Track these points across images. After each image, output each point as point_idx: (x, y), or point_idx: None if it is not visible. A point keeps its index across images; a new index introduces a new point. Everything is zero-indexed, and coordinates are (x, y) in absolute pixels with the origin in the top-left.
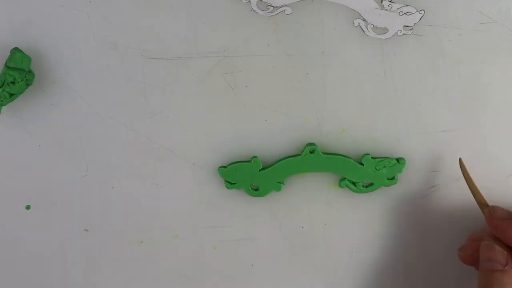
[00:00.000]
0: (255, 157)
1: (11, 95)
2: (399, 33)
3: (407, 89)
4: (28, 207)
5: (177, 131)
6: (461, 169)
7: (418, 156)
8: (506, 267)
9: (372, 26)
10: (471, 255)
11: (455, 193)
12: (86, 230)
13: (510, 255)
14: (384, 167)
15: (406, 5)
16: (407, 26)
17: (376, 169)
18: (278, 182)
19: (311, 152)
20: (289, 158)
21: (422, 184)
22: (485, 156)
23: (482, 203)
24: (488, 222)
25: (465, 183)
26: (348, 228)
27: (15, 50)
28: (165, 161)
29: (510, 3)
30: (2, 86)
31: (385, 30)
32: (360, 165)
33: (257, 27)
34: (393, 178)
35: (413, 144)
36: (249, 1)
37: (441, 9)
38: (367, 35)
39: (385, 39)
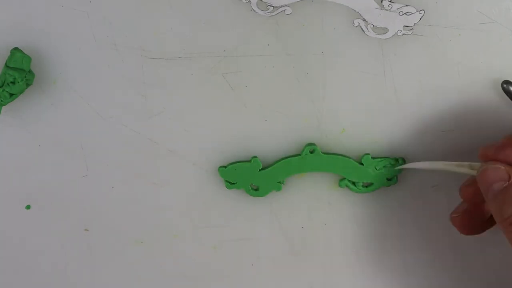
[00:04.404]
0: (255, 157)
1: (11, 95)
2: (399, 33)
3: (407, 89)
4: (28, 207)
5: (177, 131)
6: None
7: (418, 156)
8: (510, 181)
9: (372, 26)
10: (464, 214)
11: (455, 193)
12: (86, 230)
13: (508, 168)
14: (384, 167)
15: (406, 5)
16: (407, 26)
17: (376, 169)
18: (278, 182)
19: (311, 152)
20: (289, 158)
21: (422, 184)
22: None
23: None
24: (483, 158)
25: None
26: (348, 228)
27: (15, 50)
28: (165, 161)
29: (510, 3)
30: (2, 86)
31: (385, 30)
32: (360, 165)
33: (257, 27)
34: (393, 178)
35: (413, 144)
36: (249, 1)
37: (441, 9)
38: (367, 35)
39: (385, 39)
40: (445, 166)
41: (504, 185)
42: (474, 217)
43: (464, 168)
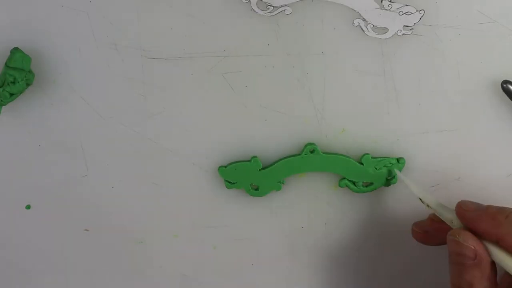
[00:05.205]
0: (255, 157)
1: (11, 94)
2: (399, 33)
3: (407, 89)
4: (28, 207)
5: (177, 131)
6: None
7: (418, 156)
8: (475, 261)
9: (372, 26)
10: (425, 233)
11: (455, 193)
12: (86, 230)
13: (478, 247)
14: (384, 166)
15: (406, 5)
16: (407, 26)
17: (376, 168)
18: (278, 182)
19: (311, 152)
20: (289, 158)
21: (422, 184)
22: (485, 156)
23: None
24: (460, 216)
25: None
26: (348, 228)
27: (15, 50)
28: (165, 161)
29: (510, 3)
30: (2, 86)
31: (385, 30)
32: (360, 165)
33: (257, 27)
34: (393, 178)
35: (413, 144)
36: (249, 1)
37: (441, 9)
38: (367, 35)
39: (385, 39)
40: (430, 202)
41: (468, 262)
42: (434, 238)
43: (445, 215)
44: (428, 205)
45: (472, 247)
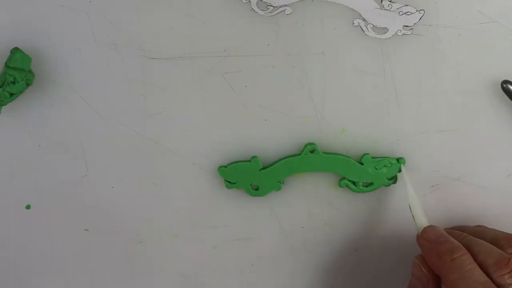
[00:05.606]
0: (255, 156)
1: (11, 95)
2: (399, 33)
3: (407, 89)
4: (28, 207)
5: (177, 131)
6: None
7: (418, 156)
8: (428, 287)
9: (372, 26)
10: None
11: (455, 193)
12: (86, 230)
13: (432, 278)
14: (384, 166)
15: (406, 5)
16: (407, 26)
17: (376, 168)
18: (278, 182)
19: (311, 152)
20: (289, 158)
21: (422, 184)
22: (485, 156)
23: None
24: (418, 242)
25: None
26: (348, 228)
27: (15, 50)
28: (165, 161)
29: (510, 3)
30: (2, 86)
31: (385, 30)
32: (360, 165)
33: (257, 27)
34: (393, 178)
35: (413, 144)
36: (249, 1)
37: (441, 9)
38: (367, 35)
39: (385, 39)
40: (415, 209)
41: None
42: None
43: (419, 228)
44: (412, 214)
45: (428, 274)
